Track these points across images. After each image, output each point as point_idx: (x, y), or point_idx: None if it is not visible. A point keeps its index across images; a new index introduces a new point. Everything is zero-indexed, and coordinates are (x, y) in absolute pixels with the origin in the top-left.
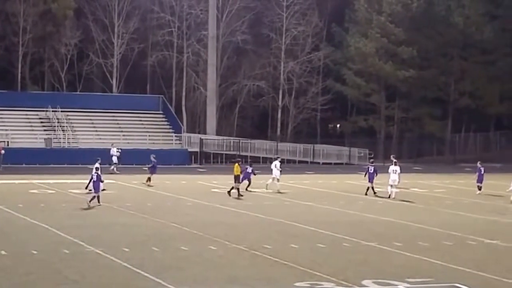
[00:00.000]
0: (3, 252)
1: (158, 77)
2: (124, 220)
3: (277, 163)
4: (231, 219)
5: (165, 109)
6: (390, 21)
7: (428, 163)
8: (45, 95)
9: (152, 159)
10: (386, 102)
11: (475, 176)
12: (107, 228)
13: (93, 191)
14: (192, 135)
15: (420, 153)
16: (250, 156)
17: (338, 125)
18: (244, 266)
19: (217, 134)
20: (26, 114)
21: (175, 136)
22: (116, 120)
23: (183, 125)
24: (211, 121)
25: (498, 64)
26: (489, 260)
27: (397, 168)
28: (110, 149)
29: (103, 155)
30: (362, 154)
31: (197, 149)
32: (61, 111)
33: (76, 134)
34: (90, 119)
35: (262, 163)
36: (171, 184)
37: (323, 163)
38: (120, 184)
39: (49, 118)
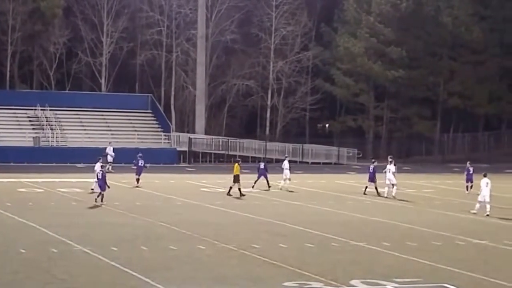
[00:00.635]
0: None
1: (147, 76)
2: (112, 219)
3: (285, 162)
4: (220, 218)
5: (154, 108)
6: (379, 21)
7: (417, 163)
8: (33, 94)
9: (139, 158)
10: (375, 102)
11: (463, 176)
12: (95, 227)
13: (98, 189)
14: (181, 134)
15: (409, 153)
16: (239, 156)
17: (327, 125)
18: (233, 266)
19: (206, 133)
20: (15, 113)
21: (164, 135)
22: (105, 119)
23: (172, 124)
24: (200, 120)
25: (487, 64)
26: (478, 260)
27: (392, 167)
28: (106, 147)
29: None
30: (351, 154)
31: (186, 148)
32: (50, 110)
33: (65, 133)
34: (79, 118)
35: (251, 163)
36: (160, 183)
37: (312, 163)
38: (109, 183)
39: (38, 117)
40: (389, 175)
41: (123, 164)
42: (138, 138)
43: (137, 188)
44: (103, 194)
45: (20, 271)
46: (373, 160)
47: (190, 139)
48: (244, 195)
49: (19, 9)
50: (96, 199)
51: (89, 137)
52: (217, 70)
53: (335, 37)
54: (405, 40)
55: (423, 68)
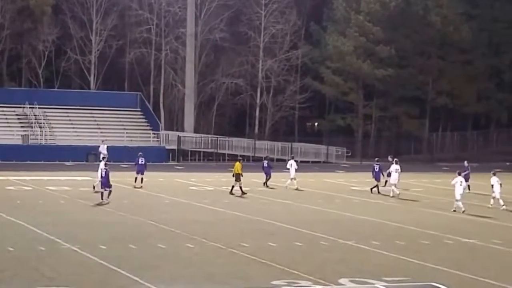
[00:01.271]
0: None
1: (136, 74)
2: (101, 218)
3: (292, 162)
4: (208, 217)
5: (143, 106)
6: (368, 20)
7: (405, 161)
8: (22, 92)
9: (139, 157)
10: (364, 101)
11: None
12: (83, 225)
13: (99, 187)
14: (170, 132)
15: (398, 152)
16: (228, 154)
17: (316, 124)
18: (221, 264)
19: (195, 131)
20: (3, 111)
21: (153, 133)
22: (94, 117)
23: (160, 122)
24: (189, 119)
25: (476, 63)
26: (466, 259)
27: (398, 167)
28: (99, 146)
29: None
30: (339, 153)
31: (174, 147)
32: (39, 108)
33: (54, 131)
34: (68, 116)
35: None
36: (149, 181)
37: (301, 161)
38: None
39: (26, 115)
40: (396, 175)
41: (112, 162)
42: (127, 136)
43: (126, 185)
44: (110, 191)
45: (8, 269)
46: (376, 159)
47: (179, 137)
48: (245, 193)
49: (8, 7)
50: (103, 196)
51: (77, 135)
52: (206, 69)
53: (324, 36)
54: (394, 39)
55: (412, 67)
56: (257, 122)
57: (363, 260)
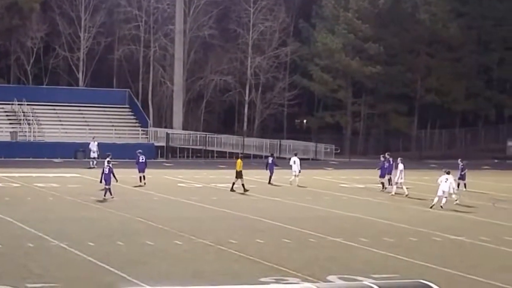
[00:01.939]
0: None
1: (125, 71)
2: (89, 214)
3: (296, 159)
4: (196, 213)
5: (132, 103)
6: (357, 17)
7: (394, 159)
8: (10, 88)
9: (139, 155)
10: (352, 98)
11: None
12: (72, 222)
13: (104, 183)
14: (158, 129)
15: (387, 149)
16: (217, 151)
17: (304, 121)
18: (210, 261)
19: (184, 128)
20: None
21: (142, 130)
22: (82, 114)
23: (149, 119)
24: (178, 116)
25: (464, 61)
26: (455, 256)
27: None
28: (89, 143)
29: (70, 149)
30: (328, 150)
31: (163, 144)
32: (27, 105)
33: (42, 128)
34: (56, 113)
35: (228, 158)
36: (137, 178)
37: (290, 159)
38: (86, 178)
39: (15, 112)
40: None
41: (100, 159)
42: (116, 133)
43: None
44: (109, 189)
45: None
46: (382, 156)
47: (167, 134)
48: (247, 190)
49: None
50: (105, 194)
51: (66, 132)
52: (195, 66)
53: (313, 33)
54: (383, 36)
55: (401, 65)
56: (245, 119)
57: (352, 257)
